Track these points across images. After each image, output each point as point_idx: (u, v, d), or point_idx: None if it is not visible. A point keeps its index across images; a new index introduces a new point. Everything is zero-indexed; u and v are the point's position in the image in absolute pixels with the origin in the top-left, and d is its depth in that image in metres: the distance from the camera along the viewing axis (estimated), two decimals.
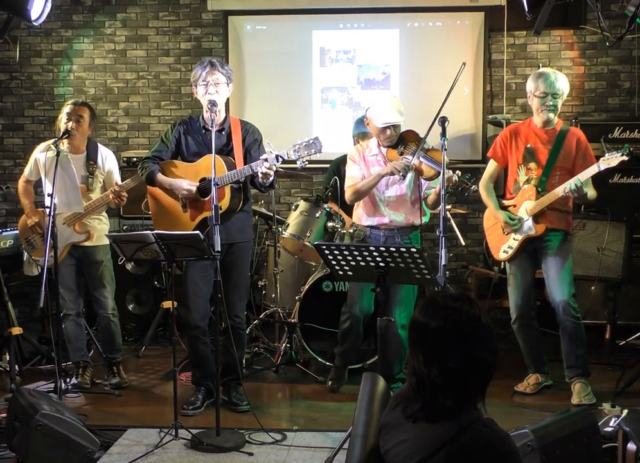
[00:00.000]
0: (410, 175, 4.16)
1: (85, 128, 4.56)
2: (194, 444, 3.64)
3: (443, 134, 3.67)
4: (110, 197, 4.39)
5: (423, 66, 6.19)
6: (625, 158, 3.91)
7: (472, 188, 3.79)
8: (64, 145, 4.41)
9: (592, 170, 4.00)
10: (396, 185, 4.26)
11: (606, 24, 4.99)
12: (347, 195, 4.31)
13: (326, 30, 6.30)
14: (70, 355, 4.65)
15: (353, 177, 4.28)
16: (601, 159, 3.98)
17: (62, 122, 4.53)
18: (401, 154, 4.12)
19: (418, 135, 4.17)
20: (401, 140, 4.18)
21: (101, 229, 4.59)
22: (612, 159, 3.93)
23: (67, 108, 4.56)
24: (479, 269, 5.93)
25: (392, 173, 4.07)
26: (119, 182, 4.49)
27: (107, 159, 4.64)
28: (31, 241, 4.63)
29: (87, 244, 4.51)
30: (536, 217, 4.21)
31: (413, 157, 4.00)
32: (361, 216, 4.35)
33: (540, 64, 6.08)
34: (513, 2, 5.54)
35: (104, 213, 4.67)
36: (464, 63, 3.82)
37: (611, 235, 5.03)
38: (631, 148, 3.94)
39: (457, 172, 3.78)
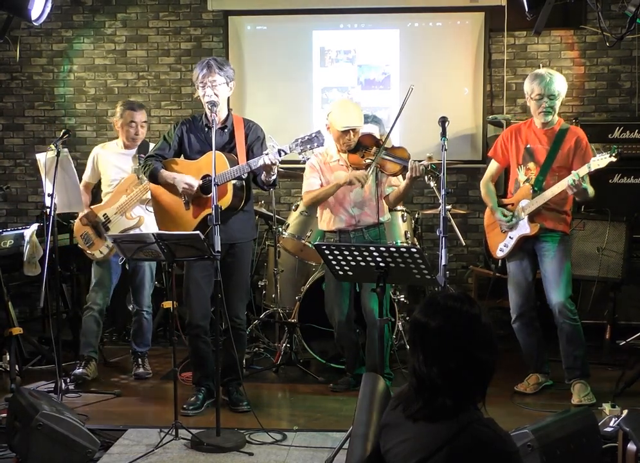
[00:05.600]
0: (372, 175, 4.28)
1: (146, 130, 4.84)
2: (194, 444, 3.64)
3: (443, 134, 3.69)
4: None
5: (423, 66, 6.19)
6: (614, 159, 3.92)
7: (438, 175, 3.84)
8: (118, 144, 4.82)
9: (583, 170, 4.00)
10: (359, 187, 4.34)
11: (606, 24, 4.99)
12: (305, 200, 4.43)
13: (326, 30, 6.30)
14: (80, 348, 4.76)
15: (311, 184, 4.39)
16: (592, 160, 3.99)
17: (124, 128, 4.74)
18: (363, 156, 4.23)
19: (376, 137, 4.35)
20: (360, 144, 4.28)
21: (148, 224, 4.69)
22: (601, 161, 3.94)
23: (128, 115, 4.73)
24: (479, 269, 5.93)
25: (351, 183, 4.18)
26: None
27: None
28: (85, 236, 4.76)
29: None
30: (532, 217, 4.21)
31: (374, 159, 4.14)
32: (328, 220, 4.43)
33: (541, 64, 6.07)
34: (513, 2, 5.54)
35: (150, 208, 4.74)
36: (412, 86, 4.01)
37: (611, 235, 5.02)
38: (619, 149, 3.94)
39: (424, 161, 4.04)
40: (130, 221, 4.68)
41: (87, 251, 4.79)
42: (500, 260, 4.63)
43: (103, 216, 4.72)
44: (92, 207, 4.77)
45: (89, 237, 4.75)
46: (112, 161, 4.78)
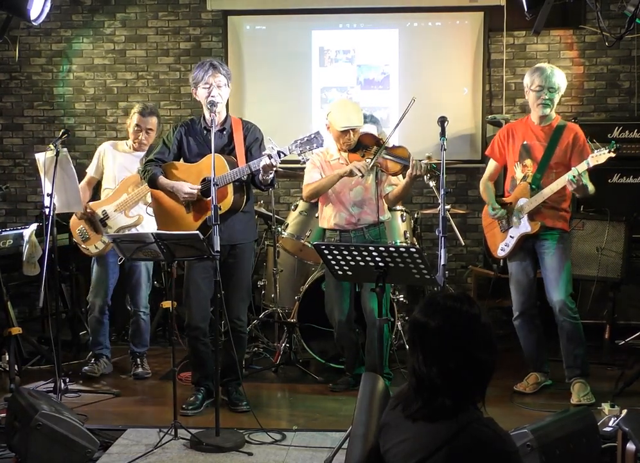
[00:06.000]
0: (372, 175, 4.31)
1: (153, 137, 4.83)
2: (193, 443, 3.64)
3: (442, 134, 3.70)
4: None
5: (423, 66, 6.20)
6: (612, 154, 3.91)
7: (438, 174, 3.83)
8: (128, 144, 4.83)
9: (582, 166, 4.00)
10: (360, 185, 4.36)
11: (605, 24, 4.98)
12: (305, 192, 4.42)
13: (325, 30, 6.30)
14: (89, 346, 4.87)
15: (312, 177, 4.40)
16: (590, 156, 3.98)
17: (131, 130, 4.79)
18: (363, 156, 4.25)
19: (376, 137, 4.35)
20: (361, 144, 4.29)
21: (146, 225, 4.70)
22: (600, 156, 3.93)
23: (135, 118, 4.76)
24: (478, 269, 5.93)
25: (351, 174, 4.17)
26: None
27: None
28: (82, 231, 4.76)
29: None
30: (532, 215, 4.21)
31: (375, 157, 4.15)
32: (329, 217, 4.42)
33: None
34: (512, 2, 5.54)
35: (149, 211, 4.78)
36: (414, 98, 4.04)
37: (610, 234, 5.02)
38: (617, 144, 3.94)
39: (424, 160, 4.02)
40: (128, 219, 4.68)
41: (82, 246, 4.79)
42: (501, 260, 4.62)
43: (102, 212, 4.71)
44: (90, 203, 4.76)
45: (85, 232, 4.75)
46: (119, 160, 4.78)
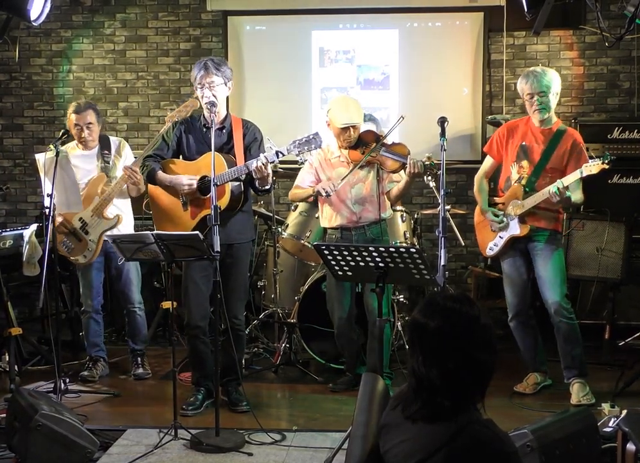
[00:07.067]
0: (372, 172, 4.33)
1: (96, 130, 4.72)
2: (193, 444, 3.64)
3: (443, 134, 3.70)
4: (125, 176, 4.45)
5: (423, 66, 6.20)
6: (606, 166, 3.90)
7: (437, 173, 3.83)
8: (80, 146, 4.70)
9: (575, 175, 3.99)
10: (360, 183, 4.37)
11: (605, 24, 4.98)
12: (290, 193, 4.57)
13: (325, 30, 6.31)
14: (86, 349, 4.82)
15: (303, 180, 4.47)
16: (584, 165, 3.98)
17: (74, 132, 4.69)
18: (363, 153, 4.26)
19: (377, 134, 4.38)
20: (361, 141, 4.31)
21: (126, 223, 4.70)
22: (593, 167, 3.93)
23: (73, 118, 4.65)
24: (478, 270, 5.93)
25: (319, 194, 4.27)
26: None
27: (121, 144, 4.81)
28: (64, 243, 4.67)
29: None
30: (522, 217, 4.21)
31: (367, 155, 4.20)
32: (330, 217, 4.44)
33: (540, 65, 6.07)
34: (512, 3, 5.54)
35: (129, 207, 4.78)
36: (402, 117, 4.14)
37: (610, 235, 5.02)
38: (611, 156, 3.93)
39: (423, 159, 3.97)
40: (108, 222, 4.59)
41: (71, 258, 4.71)
42: (489, 259, 4.62)
43: (79, 220, 4.61)
44: (63, 214, 4.58)
45: (69, 244, 4.66)
46: (76, 164, 4.62)
